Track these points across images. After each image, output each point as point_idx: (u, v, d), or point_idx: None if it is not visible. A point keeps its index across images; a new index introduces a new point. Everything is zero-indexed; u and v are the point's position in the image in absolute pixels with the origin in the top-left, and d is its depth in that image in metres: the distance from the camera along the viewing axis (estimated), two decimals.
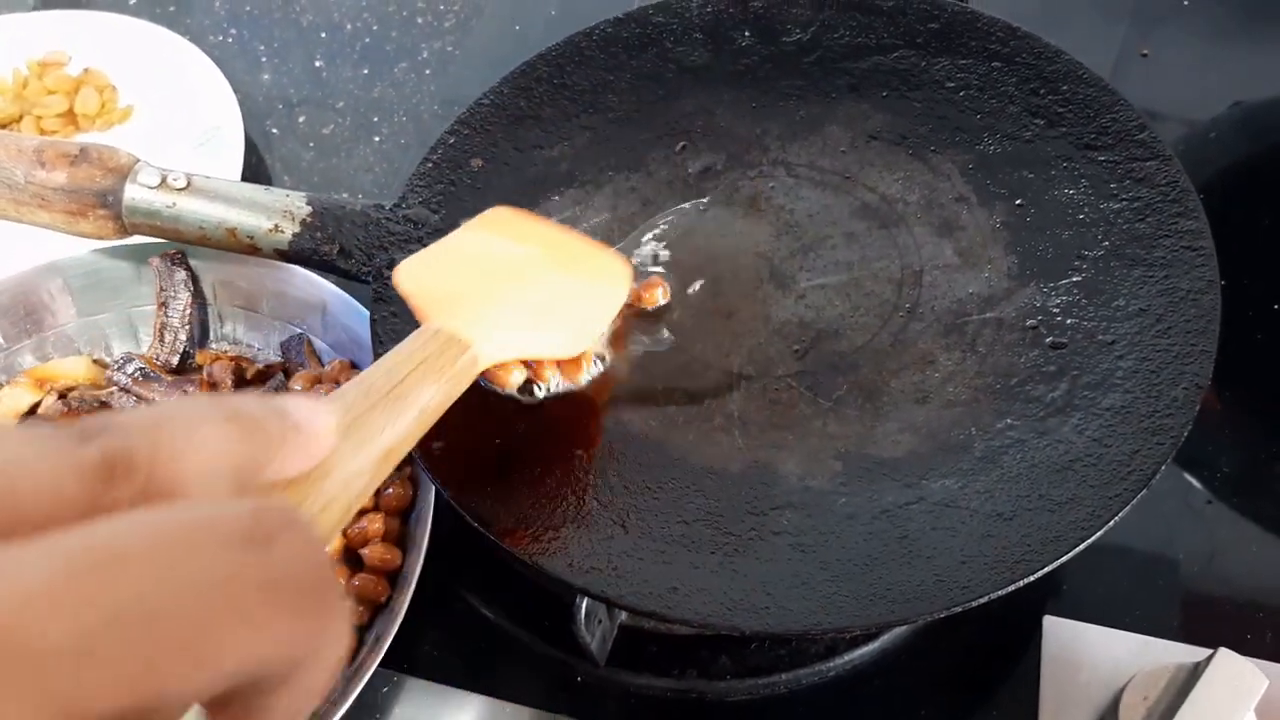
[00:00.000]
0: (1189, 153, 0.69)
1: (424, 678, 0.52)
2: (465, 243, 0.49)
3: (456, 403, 0.42)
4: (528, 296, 0.46)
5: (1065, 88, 0.55)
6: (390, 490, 0.52)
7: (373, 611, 0.51)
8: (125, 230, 0.56)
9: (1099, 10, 0.77)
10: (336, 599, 0.22)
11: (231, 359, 0.60)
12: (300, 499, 0.29)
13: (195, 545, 0.20)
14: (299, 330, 0.61)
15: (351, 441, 0.32)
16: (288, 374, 0.59)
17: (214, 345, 0.63)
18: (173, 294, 0.61)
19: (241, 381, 0.60)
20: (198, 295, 0.62)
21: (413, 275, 0.46)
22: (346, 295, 0.58)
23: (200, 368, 0.61)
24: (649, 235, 0.55)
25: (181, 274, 0.61)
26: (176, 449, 0.23)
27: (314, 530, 0.23)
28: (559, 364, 0.50)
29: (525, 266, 0.48)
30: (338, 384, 0.56)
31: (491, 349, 0.42)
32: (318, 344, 0.60)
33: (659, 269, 0.53)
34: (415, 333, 0.40)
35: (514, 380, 0.49)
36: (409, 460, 0.53)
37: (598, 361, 0.50)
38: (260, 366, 0.61)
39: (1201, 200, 0.51)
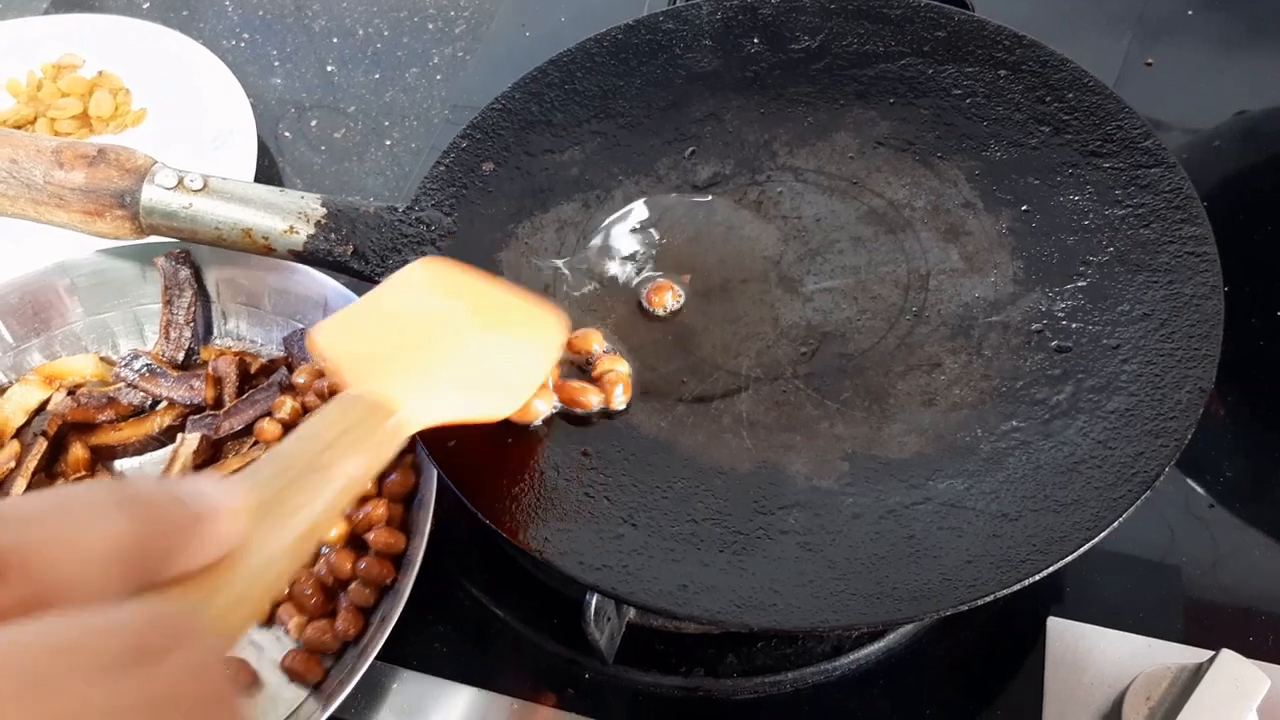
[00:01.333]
0: (1193, 161, 0.69)
1: (432, 674, 0.53)
2: (388, 300, 0.47)
3: None
4: (455, 356, 0.44)
5: (1071, 95, 0.56)
6: (393, 477, 0.53)
7: (379, 594, 0.52)
8: (142, 230, 0.56)
9: (1104, 20, 0.78)
10: (233, 706, 0.21)
11: (235, 354, 0.61)
12: (208, 592, 0.26)
13: (73, 671, 0.19)
14: (301, 325, 0.62)
15: (266, 524, 0.29)
16: (290, 368, 0.60)
17: (218, 341, 0.64)
18: (177, 292, 0.62)
19: (246, 376, 0.60)
20: (201, 293, 0.63)
21: (332, 338, 0.43)
22: (346, 290, 0.60)
23: (205, 363, 0.62)
24: (654, 231, 0.55)
25: (185, 272, 0.62)
26: (59, 544, 0.21)
27: (207, 639, 0.21)
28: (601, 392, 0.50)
29: (451, 324, 0.46)
30: None
31: (418, 413, 0.40)
32: None
33: (659, 274, 0.54)
34: (335, 399, 0.38)
35: (538, 411, 0.49)
36: (411, 448, 0.53)
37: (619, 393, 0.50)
38: (264, 361, 0.62)
39: (1205, 208, 0.51)
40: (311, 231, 0.55)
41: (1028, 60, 0.58)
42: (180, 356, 0.61)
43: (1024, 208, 0.53)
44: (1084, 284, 0.50)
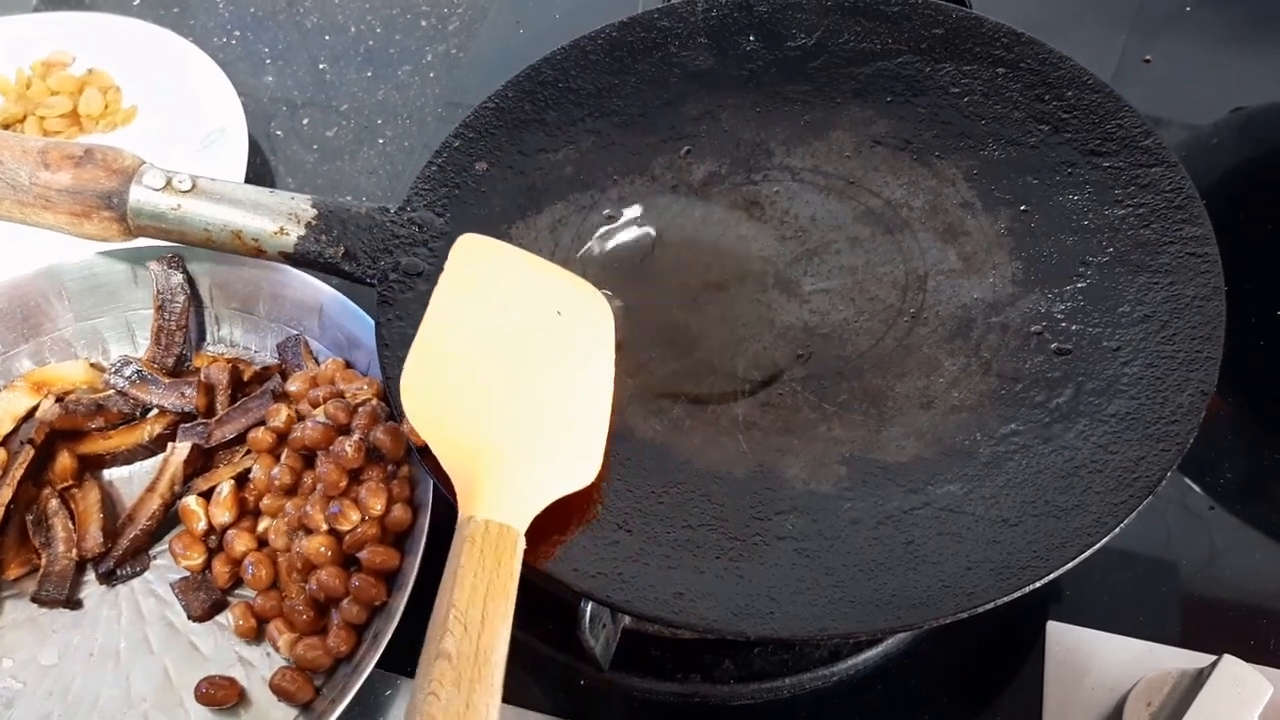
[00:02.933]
0: (1190, 158, 0.69)
1: None
2: (450, 318, 0.48)
3: None
4: (532, 399, 0.46)
5: (1070, 94, 0.56)
6: (393, 513, 0.52)
7: (371, 611, 0.51)
8: (130, 232, 0.56)
9: (1101, 16, 0.77)
10: None
11: (228, 361, 0.60)
12: None
13: None
14: (295, 332, 0.61)
15: None
16: (284, 375, 0.59)
17: (211, 348, 0.63)
18: (169, 297, 0.61)
19: (238, 383, 0.60)
20: (194, 298, 0.62)
21: (417, 400, 0.45)
22: (342, 297, 0.59)
23: (197, 370, 0.61)
24: (650, 231, 0.55)
25: (178, 277, 0.61)
26: None
27: None
28: None
29: (516, 344, 0.48)
30: (332, 384, 0.56)
31: (529, 514, 0.42)
32: (314, 345, 0.60)
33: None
34: (461, 540, 0.40)
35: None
36: (411, 484, 0.52)
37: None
38: (257, 368, 0.61)
39: (1203, 205, 0.51)
40: (302, 233, 0.55)
41: (1026, 58, 0.57)
42: (171, 363, 0.60)
43: (1023, 207, 0.53)
44: (1084, 285, 0.50)
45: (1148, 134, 0.53)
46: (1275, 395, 0.60)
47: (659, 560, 0.43)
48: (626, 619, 0.49)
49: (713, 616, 0.42)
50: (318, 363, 0.59)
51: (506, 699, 0.50)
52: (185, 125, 0.75)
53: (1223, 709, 0.43)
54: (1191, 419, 0.44)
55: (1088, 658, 0.50)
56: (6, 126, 0.77)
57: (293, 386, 0.57)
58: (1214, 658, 0.45)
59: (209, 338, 0.63)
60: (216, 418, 0.58)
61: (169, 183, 0.55)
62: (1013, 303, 0.50)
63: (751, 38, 0.61)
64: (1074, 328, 0.49)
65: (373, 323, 0.53)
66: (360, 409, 0.53)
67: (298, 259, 0.55)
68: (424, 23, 0.84)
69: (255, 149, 0.75)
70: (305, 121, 0.79)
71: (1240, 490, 0.56)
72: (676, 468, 0.47)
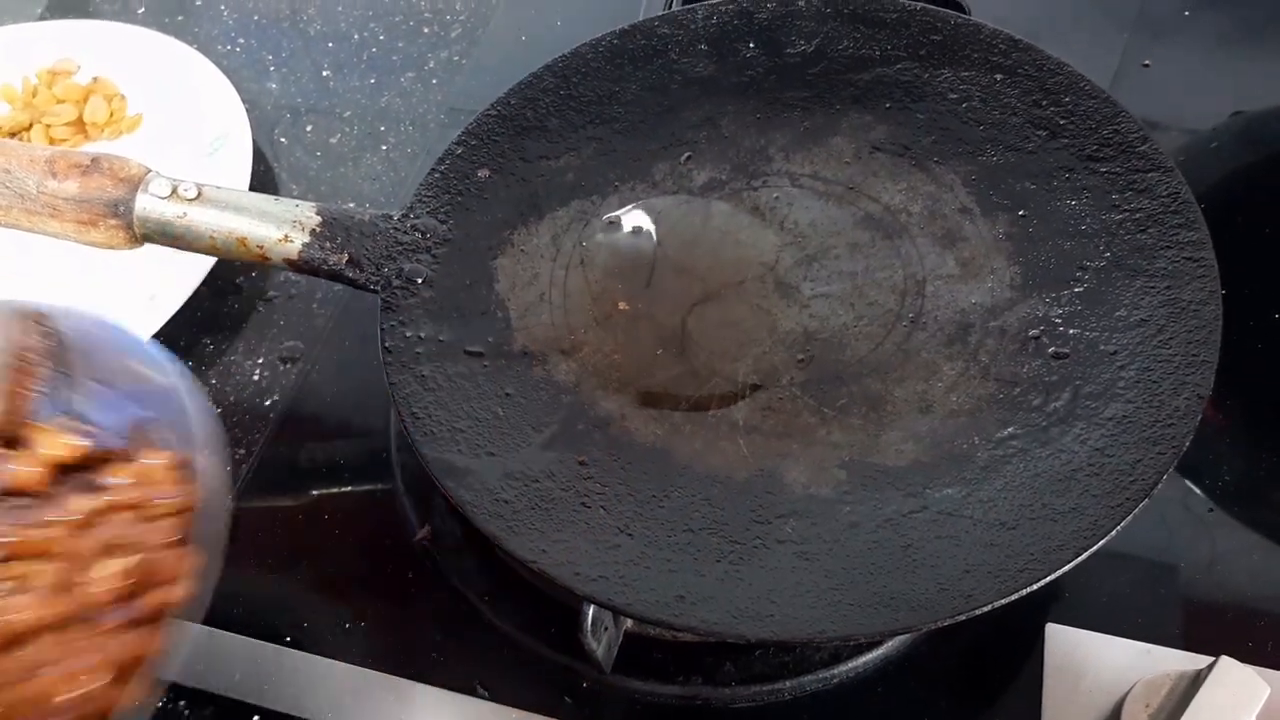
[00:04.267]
0: (1190, 162, 0.69)
1: (429, 684, 0.53)
2: None
3: (466, 406, 0.43)
4: None
5: (1067, 99, 0.56)
6: None
7: None
8: (137, 240, 0.56)
9: (1100, 21, 0.78)
10: None
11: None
12: None
13: None
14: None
15: None
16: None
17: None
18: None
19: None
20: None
21: None
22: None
23: None
24: (651, 237, 0.55)
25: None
26: None
27: None
28: None
29: None
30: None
31: None
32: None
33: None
34: None
35: None
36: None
37: None
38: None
39: (1201, 209, 0.51)
40: (306, 240, 0.55)
41: (1024, 64, 0.57)
42: None
43: (1021, 213, 0.53)
44: (1081, 289, 0.50)
45: (1144, 139, 0.54)
46: (1273, 398, 0.60)
47: (660, 563, 0.44)
48: (628, 622, 0.49)
49: (714, 619, 0.42)
50: None
51: (509, 701, 0.52)
52: (190, 132, 0.75)
53: (1220, 710, 0.44)
54: (1188, 422, 0.45)
55: (1086, 659, 0.50)
56: (12, 134, 0.77)
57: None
58: (1212, 659, 0.45)
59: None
60: None
61: (175, 191, 0.55)
62: (1011, 307, 0.50)
63: (751, 45, 0.61)
64: (1071, 332, 0.49)
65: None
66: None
67: (302, 266, 0.56)
68: (426, 29, 0.85)
69: (259, 155, 0.75)
70: (309, 128, 0.79)
71: (1239, 493, 0.57)
72: (677, 472, 0.47)
